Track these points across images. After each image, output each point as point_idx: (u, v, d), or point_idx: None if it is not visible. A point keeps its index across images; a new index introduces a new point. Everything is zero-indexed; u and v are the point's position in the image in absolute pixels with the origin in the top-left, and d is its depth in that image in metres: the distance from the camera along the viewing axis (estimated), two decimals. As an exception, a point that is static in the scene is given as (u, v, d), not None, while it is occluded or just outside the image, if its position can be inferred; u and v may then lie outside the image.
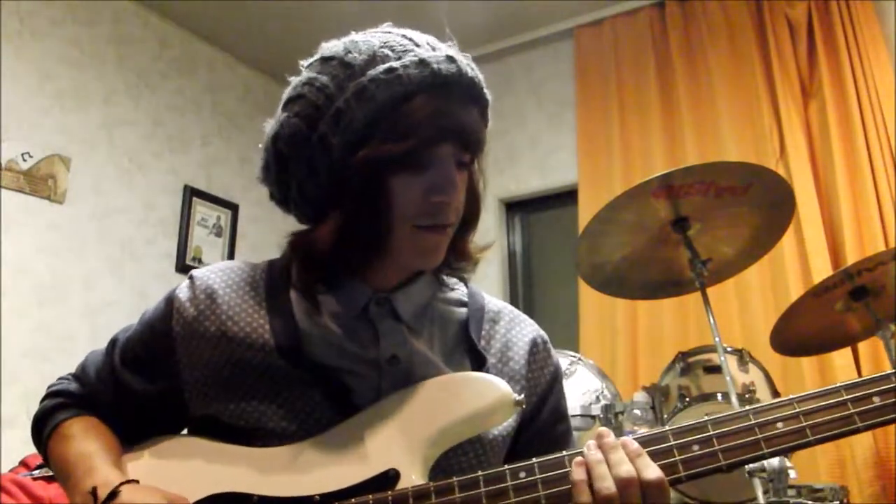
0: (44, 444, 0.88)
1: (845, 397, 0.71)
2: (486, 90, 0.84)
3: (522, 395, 0.80)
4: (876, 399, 0.70)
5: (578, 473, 0.70)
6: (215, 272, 0.89)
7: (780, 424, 0.71)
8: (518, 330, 0.94)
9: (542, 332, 0.97)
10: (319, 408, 0.80)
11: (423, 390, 0.81)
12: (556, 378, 0.95)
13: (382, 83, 0.76)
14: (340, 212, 0.80)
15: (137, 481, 0.77)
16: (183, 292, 0.87)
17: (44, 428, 0.88)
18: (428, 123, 0.76)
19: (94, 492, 0.74)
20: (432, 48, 0.81)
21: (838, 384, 0.72)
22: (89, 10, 3.07)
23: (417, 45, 0.80)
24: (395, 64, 0.77)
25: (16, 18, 2.78)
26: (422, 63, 0.77)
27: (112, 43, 3.16)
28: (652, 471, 0.68)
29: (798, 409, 0.71)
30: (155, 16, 3.37)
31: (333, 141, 0.77)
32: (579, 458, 0.71)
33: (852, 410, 0.70)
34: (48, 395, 0.92)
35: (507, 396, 0.78)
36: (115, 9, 3.19)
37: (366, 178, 0.77)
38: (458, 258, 0.89)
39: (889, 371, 0.72)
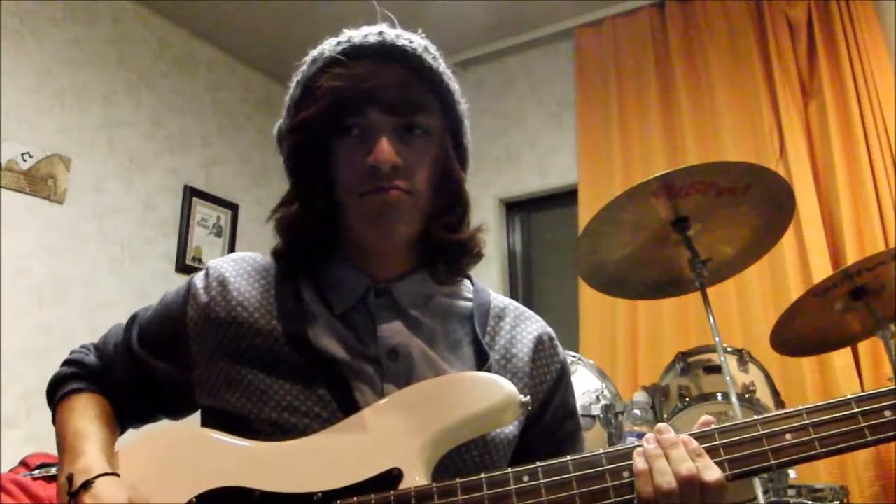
0: (54, 407, 0.92)
1: (856, 410, 0.70)
2: (424, 58, 0.83)
3: (528, 397, 0.79)
4: (887, 413, 0.69)
5: (641, 463, 0.70)
6: (228, 262, 0.92)
7: (788, 436, 0.70)
8: (524, 327, 0.94)
9: (549, 329, 0.96)
10: (321, 402, 0.81)
11: (427, 389, 0.81)
12: (562, 375, 0.94)
13: (307, 64, 0.86)
14: (291, 185, 0.88)
15: (117, 474, 0.79)
16: (199, 280, 0.90)
17: (56, 392, 0.92)
18: (336, 88, 0.81)
19: (70, 478, 0.77)
20: (364, 30, 0.84)
21: (849, 396, 0.71)
22: (89, 10, 3.07)
23: (357, 31, 0.85)
24: (325, 47, 0.85)
25: (16, 18, 2.78)
26: (347, 41, 0.83)
27: (112, 43, 3.15)
28: (712, 472, 0.68)
29: (808, 421, 0.70)
30: (155, 16, 3.37)
31: (283, 126, 0.88)
32: (640, 449, 0.70)
33: (863, 424, 0.69)
34: (66, 362, 0.95)
35: (514, 398, 0.78)
36: (115, 9, 3.19)
37: (295, 149, 0.85)
38: (450, 248, 0.88)
39: None
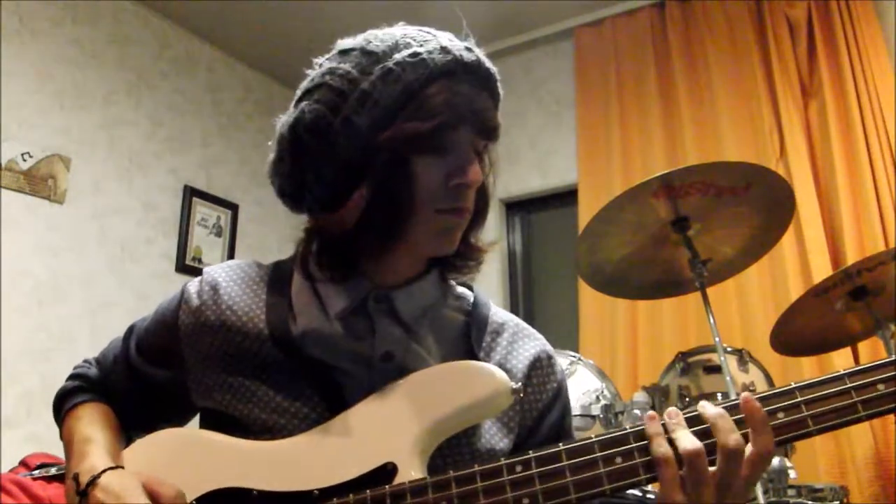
0: (61, 422, 0.94)
1: (849, 385, 0.69)
2: (500, 85, 0.87)
3: (520, 384, 0.79)
4: (881, 386, 0.68)
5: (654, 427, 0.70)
6: (223, 268, 0.93)
7: (781, 415, 0.69)
8: (520, 345, 0.93)
9: (548, 348, 0.95)
10: (309, 403, 0.81)
11: (418, 380, 0.80)
12: (557, 395, 0.93)
13: (408, 66, 0.79)
14: (365, 192, 0.80)
15: (122, 467, 0.80)
16: (193, 285, 0.91)
17: (62, 407, 0.94)
18: (451, 105, 0.78)
19: (76, 478, 0.78)
20: (450, 39, 0.84)
21: (842, 371, 0.70)
22: (89, 10, 3.07)
23: (436, 36, 0.83)
24: (419, 49, 0.80)
25: (16, 18, 2.78)
26: (444, 50, 0.81)
27: (112, 43, 3.16)
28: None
29: (800, 398, 0.69)
30: (155, 16, 3.37)
31: (358, 122, 0.78)
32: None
33: (855, 399, 0.68)
34: (71, 377, 0.98)
35: (504, 385, 0.78)
36: (115, 9, 3.19)
37: (391, 158, 0.79)
38: (465, 255, 0.89)
39: (895, 357, 0.70)
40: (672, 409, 0.72)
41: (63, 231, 2.83)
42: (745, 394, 0.70)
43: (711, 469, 0.68)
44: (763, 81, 2.97)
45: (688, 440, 0.68)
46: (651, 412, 0.72)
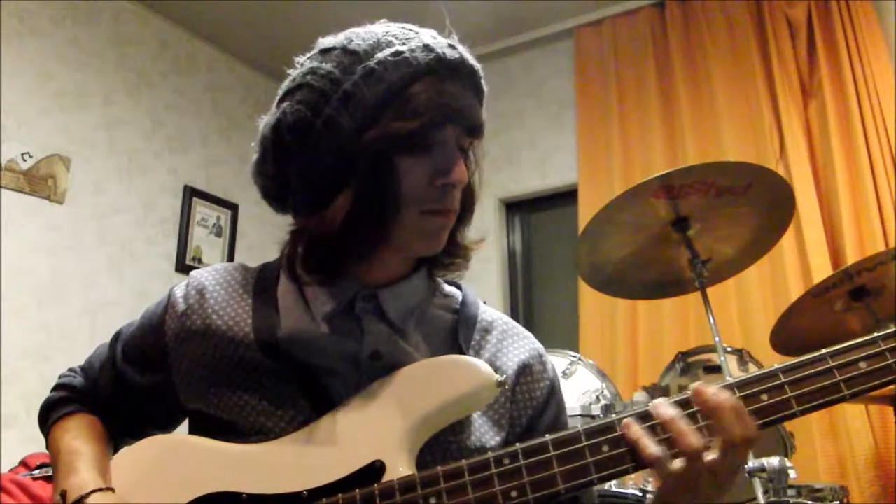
0: (47, 433, 0.93)
1: (831, 364, 0.70)
2: (484, 81, 0.86)
3: (505, 376, 0.79)
4: (862, 364, 0.69)
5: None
6: (210, 272, 0.93)
7: (764, 396, 0.70)
8: (509, 343, 0.93)
9: (539, 348, 0.95)
10: (296, 405, 0.81)
11: (402, 377, 0.80)
12: (551, 393, 0.92)
13: (391, 65, 0.77)
14: (351, 192, 0.79)
15: (112, 489, 0.80)
16: (179, 289, 0.90)
17: (48, 419, 0.93)
18: (436, 104, 0.77)
19: (63, 495, 0.78)
20: (433, 37, 0.82)
21: (824, 351, 0.71)
22: (89, 10, 3.08)
23: (418, 34, 0.82)
24: (401, 48, 0.79)
25: (16, 18, 2.78)
26: (427, 48, 0.79)
27: (112, 43, 3.16)
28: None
29: (783, 380, 0.70)
30: (155, 16, 3.37)
31: (341, 123, 0.77)
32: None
33: (838, 378, 0.69)
34: (56, 387, 0.96)
35: (489, 378, 0.77)
36: (115, 9, 3.19)
37: (376, 158, 0.78)
38: (452, 253, 0.88)
39: (876, 335, 0.70)
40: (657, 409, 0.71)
41: (63, 231, 2.83)
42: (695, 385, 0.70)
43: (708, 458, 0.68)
44: (763, 81, 2.97)
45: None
46: (627, 421, 0.71)
